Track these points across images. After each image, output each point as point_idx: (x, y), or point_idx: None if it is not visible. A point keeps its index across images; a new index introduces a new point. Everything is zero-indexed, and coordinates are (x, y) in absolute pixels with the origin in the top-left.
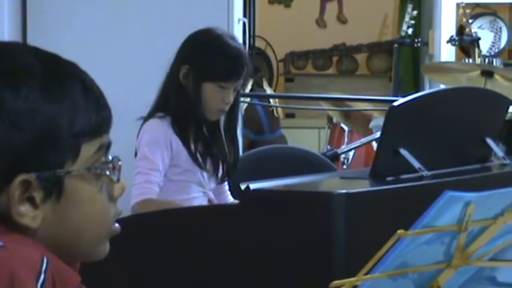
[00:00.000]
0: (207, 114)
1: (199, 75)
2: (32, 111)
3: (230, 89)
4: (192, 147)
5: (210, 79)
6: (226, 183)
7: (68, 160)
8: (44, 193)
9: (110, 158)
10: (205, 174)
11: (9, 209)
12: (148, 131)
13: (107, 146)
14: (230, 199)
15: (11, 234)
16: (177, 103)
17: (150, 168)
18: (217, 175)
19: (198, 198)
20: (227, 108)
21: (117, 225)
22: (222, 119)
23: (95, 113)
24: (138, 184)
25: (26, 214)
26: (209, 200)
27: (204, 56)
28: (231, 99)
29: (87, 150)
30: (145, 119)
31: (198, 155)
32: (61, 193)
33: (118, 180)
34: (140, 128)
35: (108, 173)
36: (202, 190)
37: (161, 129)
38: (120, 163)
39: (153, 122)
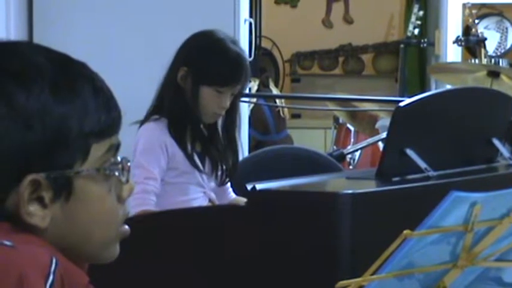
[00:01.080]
0: (202, 117)
1: (197, 78)
2: (43, 111)
3: (227, 94)
4: (189, 148)
5: (208, 83)
6: (228, 184)
7: (77, 160)
8: (53, 193)
9: (119, 159)
10: (203, 174)
11: (18, 208)
12: (143, 136)
13: (117, 147)
14: (233, 196)
15: (20, 234)
16: (173, 104)
17: (145, 177)
18: (216, 175)
19: (198, 199)
20: (223, 112)
21: (126, 226)
22: (221, 120)
23: (105, 114)
24: (135, 194)
25: (35, 214)
26: (210, 200)
27: (203, 59)
28: (227, 104)
29: (97, 150)
30: (142, 122)
31: (196, 156)
32: (70, 193)
33: (127, 181)
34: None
35: (117, 173)
36: (202, 190)
37: (156, 132)
38: (129, 164)
39: (148, 126)
